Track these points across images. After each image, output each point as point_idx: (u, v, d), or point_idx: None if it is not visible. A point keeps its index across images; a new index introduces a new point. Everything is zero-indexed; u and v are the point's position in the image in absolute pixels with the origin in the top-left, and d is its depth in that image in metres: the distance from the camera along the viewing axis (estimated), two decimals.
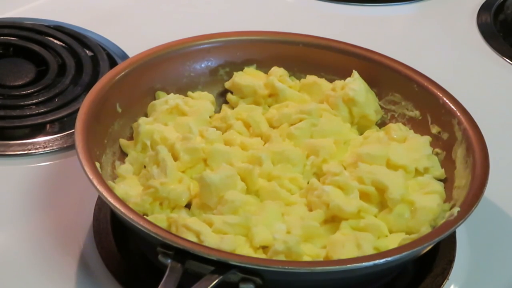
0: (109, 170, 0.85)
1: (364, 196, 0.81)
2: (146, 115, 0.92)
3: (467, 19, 1.26)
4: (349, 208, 0.79)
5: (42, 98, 1.01)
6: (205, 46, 0.95)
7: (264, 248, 0.76)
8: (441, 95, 0.90)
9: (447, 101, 0.89)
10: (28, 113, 0.99)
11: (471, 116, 0.87)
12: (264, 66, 0.97)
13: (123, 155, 0.88)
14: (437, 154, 0.88)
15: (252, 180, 0.82)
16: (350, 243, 0.76)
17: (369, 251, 0.75)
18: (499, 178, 0.82)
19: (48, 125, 0.99)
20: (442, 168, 0.86)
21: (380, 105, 0.94)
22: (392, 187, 0.80)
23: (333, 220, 0.80)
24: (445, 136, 0.88)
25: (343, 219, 0.79)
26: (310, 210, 0.81)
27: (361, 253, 0.75)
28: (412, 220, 0.79)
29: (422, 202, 0.80)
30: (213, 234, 0.75)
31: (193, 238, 0.74)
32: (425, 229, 0.78)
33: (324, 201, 0.80)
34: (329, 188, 0.81)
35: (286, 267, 0.70)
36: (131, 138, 0.90)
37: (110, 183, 0.81)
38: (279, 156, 0.85)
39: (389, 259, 0.71)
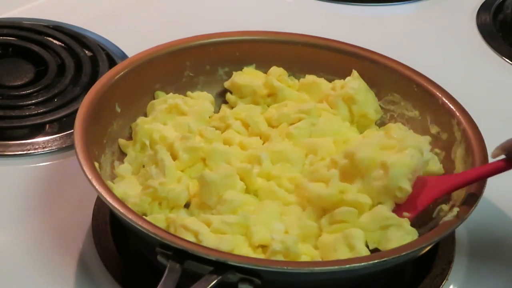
0: (108, 170, 0.85)
1: (345, 178, 0.80)
2: (145, 115, 0.92)
3: (467, 19, 1.26)
4: (327, 192, 0.78)
5: (41, 98, 1.01)
6: (204, 45, 0.95)
7: (263, 247, 0.76)
8: (440, 95, 0.90)
9: (446, 101, 0.89)
10: (27, 113, 0.99)
11: (470, 116, 0.87)
12: (263, 66, 0.96)
13: (122, 155, 0.88)
14: (436, 154, 0.88)
15: (250, 179, 0.82)
16: (341, 245, 0.75)
17: (363, 249, 0.75)
18: (498, 178, 0.82)
19: (47, 125, 0.99)
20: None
21: (379, 105, 0.94)
22: (359, 150, 0.79)
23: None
24: (444, 136, 0.88)
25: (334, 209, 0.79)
26: (304, 209, 0.81)
27: (356, 253, 0.75)
28: (387, 179, 0.78)
29: (393, 158, 0.79)
30: (211, 234, 0.75)
31: (191, 238, 0.74)
32: (404, 185, 0.77)
33: (307, 196, 0.80)
34: (312, 184, 0.80)
35: (285, 268, 0.70)
36: (130, 138, 0.90)
37: (109, 183, 0.81)
38: (278, 155, 0.85)
39: (387, 259, 0.71)
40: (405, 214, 0.79)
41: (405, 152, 0.80)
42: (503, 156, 0.79)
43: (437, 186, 0.81)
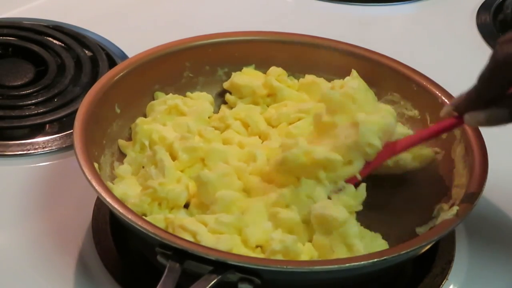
0: (107, 170, 0.85)
1: (316, 142, 0.81)
2: (145, 116, 0.92)
3: (467, 19, 1.26)
4: (293, 152, 0.78)
5: (41, 98, 1.01)
6: (204, 46, 0.95)
7: (262, 246, 0.76)
8: (440, 94, 0.90)
9: (446, 100, 0.89)
10: (27, 113, 0.99)
11: None
12: (262, 66, 0.97)
13: (122, 155, 0.88)
14: (436, 153, 0.88)
15: (246, 178, 0.82)
16: (338, 245, 0.75)
17: (362, 247, 0.75)
18: (498, 177, 0.82)
19: (47, 125, 0.99)
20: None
21: None
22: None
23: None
24: (443, 135, 0.88)
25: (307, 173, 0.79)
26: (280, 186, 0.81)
27: (355, 252, 0.75)
28: (357, 135, 0.79)
29: (365, 118, 0.80)
30: (209, 234, 0.75)
31: (190, 239, 0.74)
32: (374, 141, 0.78)
33: (277, 168, 0.80)
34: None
35: (285, 267, 0.70)
36: (129, 138, 0.90)
37: (108, 183, 0.81)
38: (276, 153, 0.85)
39: (387, 258, 0.71)
40: (357, 175, 0.80)
41: (379, 114, 0.81)
42: None
43: (391, 147, 0.82)
